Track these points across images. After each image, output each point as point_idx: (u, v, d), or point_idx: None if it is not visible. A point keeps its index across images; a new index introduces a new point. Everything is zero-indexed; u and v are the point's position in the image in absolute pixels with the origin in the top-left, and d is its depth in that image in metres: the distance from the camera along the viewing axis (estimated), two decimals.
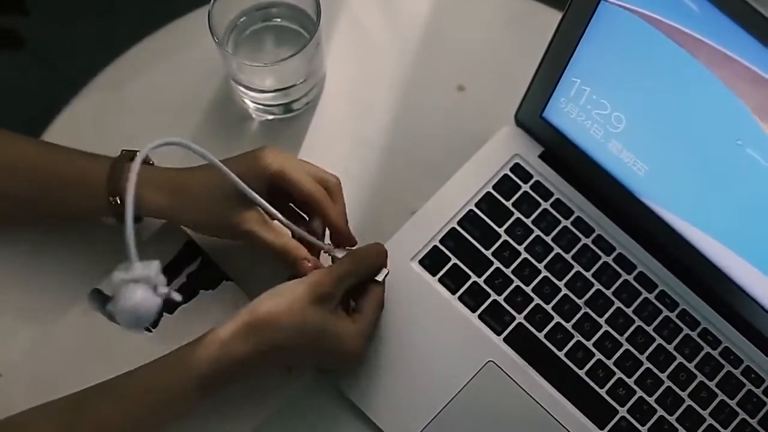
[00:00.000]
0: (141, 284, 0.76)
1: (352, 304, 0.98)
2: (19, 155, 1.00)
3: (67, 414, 0.89)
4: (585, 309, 1.04)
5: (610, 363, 1.02)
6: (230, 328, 0.90)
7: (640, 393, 1.01)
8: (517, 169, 1.08)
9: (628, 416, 1.01)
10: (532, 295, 1.04)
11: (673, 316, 1.04)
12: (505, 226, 1.06)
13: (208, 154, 0.88)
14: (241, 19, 1.09)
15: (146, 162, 1.00)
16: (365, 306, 0.96)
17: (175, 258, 1.06)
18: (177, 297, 0.79)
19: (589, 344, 1.02)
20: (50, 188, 0.99)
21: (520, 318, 1.03)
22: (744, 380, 1.02)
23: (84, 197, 0.98)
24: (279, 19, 1.10)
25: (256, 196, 0.93)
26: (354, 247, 1.00)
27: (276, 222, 0.97)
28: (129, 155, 0.98)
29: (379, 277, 0.98)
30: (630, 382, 1.02)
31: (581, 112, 1.01)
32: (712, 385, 1.02)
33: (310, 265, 0.95)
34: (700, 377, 1.02)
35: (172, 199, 0.96)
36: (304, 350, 0.93)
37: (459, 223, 1.06)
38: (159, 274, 0.77)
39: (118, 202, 0.96)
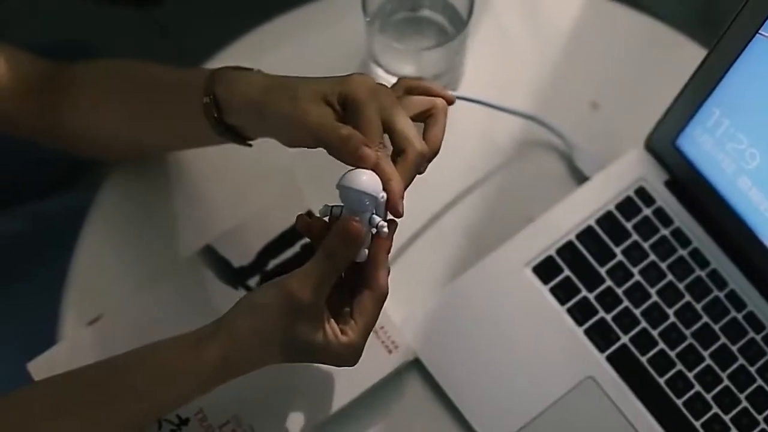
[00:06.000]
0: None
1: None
2: (137, 69, 1.02)
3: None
4: (691, 340, 1.03)
5: (708, 397, 1.02)
6: (205, 352, 0.84)
7: (734, 431, 1.01)
8: (641, 192, 1.08)
9: None
10: (641, 318, 1.04)
11: None
12: (622, 247, 1.06)
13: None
14: (390, 6, 1.10)
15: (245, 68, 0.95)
16: (357, 317, 0.84)
17: (293, 227, 1.07)
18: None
19: (690, 375, 1.02)
20: (153, 90, 0.99)
21: (625, 339, 1.03)
22: None
23: (180, 100, 0.95)
24: (426, 11, 1.11)
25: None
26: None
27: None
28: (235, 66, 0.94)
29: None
30: (726, 418, 1.01)
31: (715, 144, 1.01)
32: None
33: (368, 151, 0.82)
34: None
35: (263, 94, 0.88)
36: (290, 362, 0.86)
37: (577, 236, 1.06)
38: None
39: (208, 101, 0.90)
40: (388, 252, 0.84)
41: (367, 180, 0.80)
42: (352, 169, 0.81)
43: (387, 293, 0.84)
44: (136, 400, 0.87)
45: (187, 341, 0.86)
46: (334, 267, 0.81)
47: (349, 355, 0.84)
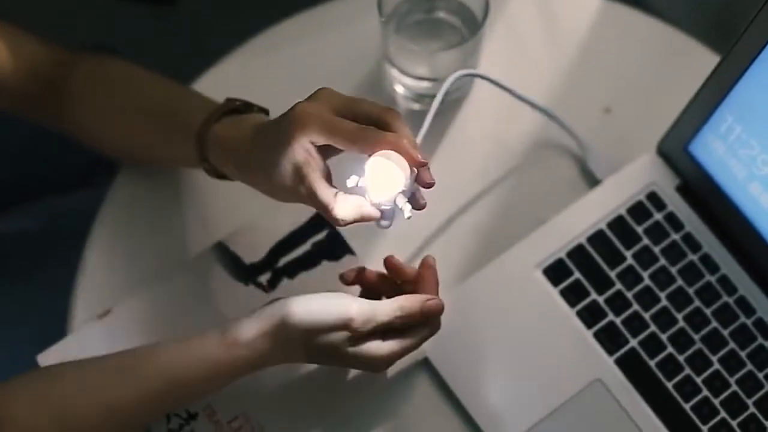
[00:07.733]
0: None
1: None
2: (145, 96, 1.02)
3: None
4: (699, 345, 1.04)
5: (716, 402, 1.02)
6: (260, 336, 0.89)
7: None
8: (652, 197, 1.08)
9: None
10: (650, 322, 1.04)
11: None
12: (632, 251, 1.06)
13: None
14: (405, 7, 1.10)
15: (237, 111, 0.95)
16: (408, 333, 0.91)
17: (304, 225, 1.07)
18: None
19: (698, 380, 1.02)
20: (156, 122, 1.01)
21: (633, 342, 1.03)
22: None
23: (179, 141, 0.96)
24: (441, 13, 1.11)
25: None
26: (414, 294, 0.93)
27: None
28: (228, 106, 0.94)
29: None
30: (733, 423, 1.02)
31: (727, 150, 1.02)
32: None
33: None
34: None
35: (239, 170, 0.91)
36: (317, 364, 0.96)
37: (588, 239, 1.07)
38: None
39: (207, 167, 0.95)
40: (437, 285, 0.94)
41: (396, 160, 0.82)
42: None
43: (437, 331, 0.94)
44: (163, 387, 0.89)
45: (216, 334, 0.90)
46: (398, 323, 0.90)
47: (384, 363, 0.91)
